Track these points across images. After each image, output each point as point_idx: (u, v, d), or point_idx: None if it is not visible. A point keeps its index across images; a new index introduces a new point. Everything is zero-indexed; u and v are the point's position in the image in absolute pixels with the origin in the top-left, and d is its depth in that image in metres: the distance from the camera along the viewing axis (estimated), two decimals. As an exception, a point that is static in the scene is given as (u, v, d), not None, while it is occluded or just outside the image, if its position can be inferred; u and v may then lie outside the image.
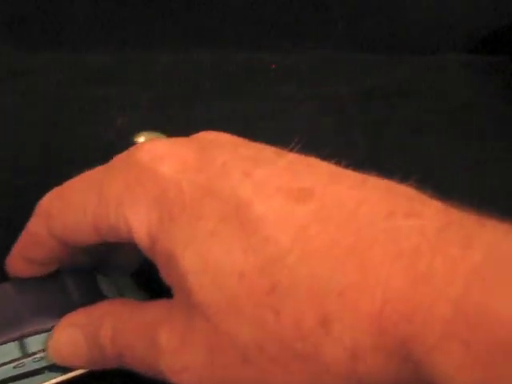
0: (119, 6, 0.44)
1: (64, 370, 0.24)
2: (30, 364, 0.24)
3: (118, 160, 0.22)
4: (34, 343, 0.24)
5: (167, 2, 0.45)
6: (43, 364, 0.24)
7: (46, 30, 0.45)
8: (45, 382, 0.24)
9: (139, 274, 0.26)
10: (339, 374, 0.17)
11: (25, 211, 0.24)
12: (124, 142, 0.32)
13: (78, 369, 0.24)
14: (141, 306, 0.22)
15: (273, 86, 0.42)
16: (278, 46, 0.46)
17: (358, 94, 0.42)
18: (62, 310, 0.24)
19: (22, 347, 0.23)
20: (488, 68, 0.45)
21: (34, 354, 0.23)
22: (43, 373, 0.24)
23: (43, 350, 0.24)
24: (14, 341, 0.23)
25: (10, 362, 0.23)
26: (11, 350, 0.23)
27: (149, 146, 0.21)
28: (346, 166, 0.21)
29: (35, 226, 0.23)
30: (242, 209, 0.18)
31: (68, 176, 0.23)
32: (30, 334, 0.24)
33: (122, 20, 0.44)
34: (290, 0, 0.47)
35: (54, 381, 0.24)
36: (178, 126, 0.35)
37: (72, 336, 0.23)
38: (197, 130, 0.26)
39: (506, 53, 0.45)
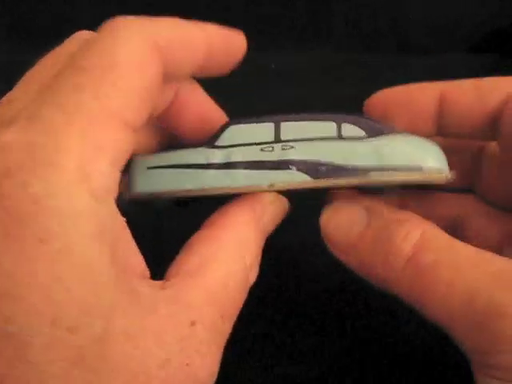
0: (119, 6, 0.44)
1: (314, 174, 0.21)
2: (278, 151, 0.21)
3: None
4: (290, 130, 0.22)
5: (167, 2, 0.45)
6: (291, 156, 0.21)
7: (46, 30, 0.45)
8: (288, 181, 0.21)
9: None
10: None
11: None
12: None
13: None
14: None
15: (273, 86, 0.42)
16: (278, 45, 0.46)
17: (358, 93, 0.42)
18: None
19: (277, 131, 0.22)
20: (488, 67, 0.45)
21: (287, 141, 0.21)
22: (288, 169, 0.21)
23: (296, 141, 0.21)
24: (270, 122, 0.22)
25: (259, 144, 0.22)
26: (265, 131, 0.22)
27: None
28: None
29: None
30: None
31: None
32: (287, 120, 0.22)
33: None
34: (290, 0, 0.47)
35: (299, 184, 0.21)
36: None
37: (350, 220, 0.22)
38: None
39: (506, 52, 0.45)
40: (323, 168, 0.21)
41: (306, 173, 0.21)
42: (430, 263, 0.19)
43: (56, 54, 0.21)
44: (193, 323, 0.17)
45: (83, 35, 0.21)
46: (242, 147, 0.22)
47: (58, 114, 0.17)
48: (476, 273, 0.18)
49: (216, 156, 0.22)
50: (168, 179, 0.22)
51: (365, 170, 0.21)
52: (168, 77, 0.21)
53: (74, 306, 0.16)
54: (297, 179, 0.21)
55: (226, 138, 0.22)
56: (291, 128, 0.22)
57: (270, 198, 0.23)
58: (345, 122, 0.22)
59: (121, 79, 0.18)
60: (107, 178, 0.17)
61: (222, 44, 0.23)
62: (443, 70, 0.45)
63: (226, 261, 0.20)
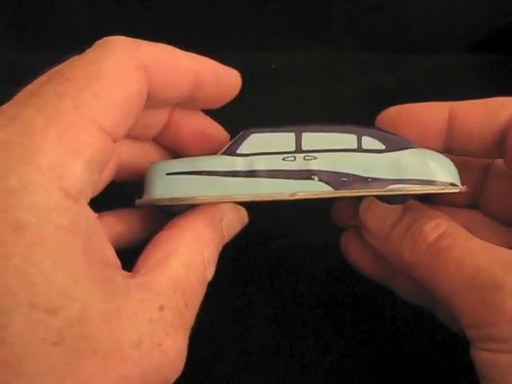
0: (119, 6, 0.44)
1: (336, 184, 0.22)
2: (300, 161, 0.22)
3: None
4: (312, 141, 0.22)
5: (167, 2, 0.45)
6: (314, 166, 0.22)
7: (46, 30, 0.45)
8: (311, 191, 0.22)
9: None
10: None
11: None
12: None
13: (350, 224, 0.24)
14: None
15: (273, 86, 0.42)
16: (278, 46, 0.46)
17: (358, 93, 0.42)
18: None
19: (298, 141, 0.22)
20: (488, 67, 0.45)
21: (308, 152, 0.22)
22: (311, 179, 0.22)
23: (318, 151, 0.22)
24: (291, 132, 0.22)
25: (280, 153, 0.22)
26: (286, 140, 0.22)
27: None
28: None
29: None
30: None
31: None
32: (307, 130, 0.22)
33: (122, 20, 0.44)
34: (291, 0, 0.47)
35: (321, 194, 0.22)
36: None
37: (386, 211, 0.24)
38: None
39: (506, 52, 0.45)
40: (344, 179, 0.22)
41: (328, 183, 0.22)
42: (447, 246, 0.22)
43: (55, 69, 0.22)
44: (161, 308, 0.19)
45: None
46: (265, 156, 0.22)
47: (38, 117, 0.18)
48: (484, 256, 0.21)
49: (239, 164, 0.22)
50: (188, 186, 0.22)
51: (384, 182, 0.22)
52: (157, 100, 0.22)
53: (52, 289, 0.16)
54: (319, 189, 0.22)
55: (247, 146, 0.23)
56: (312, 139, 0.22)
57: (229, 206, 0.24)
58: (365, 134, 0.23)
59: (103, 90, 0.19)
60: (80, 179, 0.18)
61: (212, 77, 0.24)
62: (443, 69, 0.45)
63: (187, 255, 0.21)
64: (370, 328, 0.29)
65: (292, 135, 0.23)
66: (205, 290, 0.22)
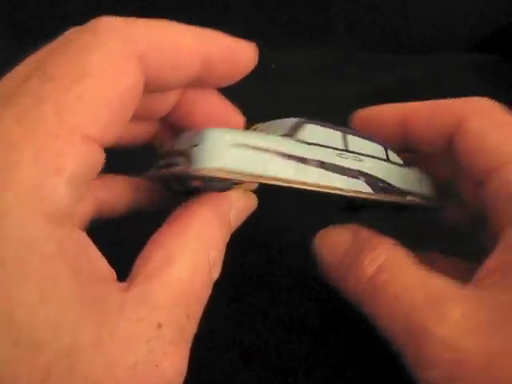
0: (119, 5, 0.44)
1: (375, 188, 0.23)
2: (351, 160, 0.23)
3: None
4: (355, 143, 0.23)
5: (167, 2, 0.45)
6: (362, 168, 0.23)
7: (46, 30, 0.45)
8: (357, 190, 0.23)
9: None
10: None
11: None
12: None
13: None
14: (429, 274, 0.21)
15: (273, 86, 0.42)
16: (278, 46, 0.46)
17: (358, 93, 0.42)
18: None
19: (344, 141, 0.23)
20: (488, 67, 0.45)
21: (354, 153, 0.23)
22: (357, 178, 0.23)
23: (361, 154, 0.23)
24: (338, 130, 0.23)
25: (334, 149, 0.23)
26: (335, 138, 0.23)
27: None
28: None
29: None
30: None
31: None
32: (348, 132, 0.23)
33: (122, 20, 0.44)
34: (291, 0, 0.47)
35: (363, 194, 0.23)
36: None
37: (339, 240, 0.24)
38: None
39: (506, 52, 0.45)
40: (381, 184, 0.24)
41: (370, 186, 0.23)
42: (384, 281, 0.21)
43: (37, 55, 0.20)
44: (159, 325, 0.17)
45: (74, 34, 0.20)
46: (323, 148, 0.23)
47: (16, 128, 0.16)
48: (414, 291, 0.20)
49: (306, 151, 0.22)
50: (257, 162, 0.20)
51: (405, 193, 0.25)
52: (158, 85, 0.20)
53: (37, 324, 0.15)
54: (363, 189, 0.23)
55: (306, 134, 0.22)
56: (355, 141, 0.24)
57: (238, 194, 0.22)
58: (389, 148, 0.25)
59: (88, 91, 0.17)
60: (63, 199, 0.16)
61: (223, 56, 0.22)
62: (443, 69, 0.45)
63: (191, 257, 0.19)
64: (372, 328, 0.29)
65: (339, 134, 0.23)
66: (210, 291, 0.20)
